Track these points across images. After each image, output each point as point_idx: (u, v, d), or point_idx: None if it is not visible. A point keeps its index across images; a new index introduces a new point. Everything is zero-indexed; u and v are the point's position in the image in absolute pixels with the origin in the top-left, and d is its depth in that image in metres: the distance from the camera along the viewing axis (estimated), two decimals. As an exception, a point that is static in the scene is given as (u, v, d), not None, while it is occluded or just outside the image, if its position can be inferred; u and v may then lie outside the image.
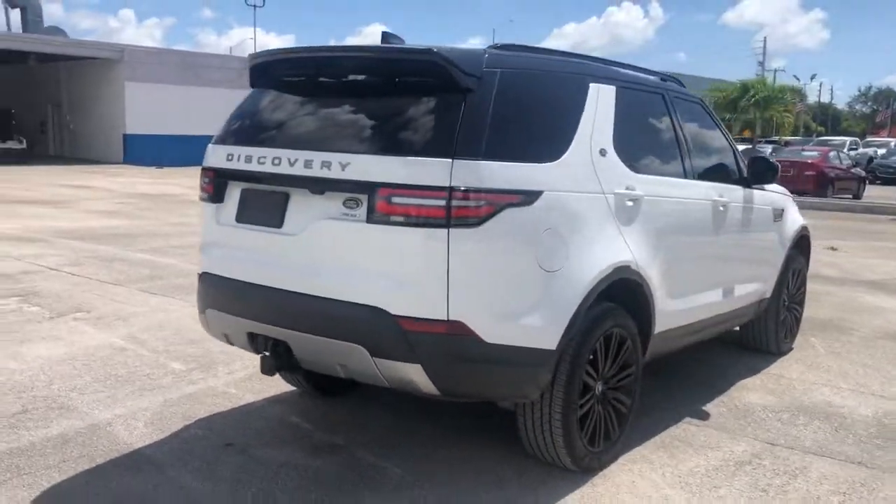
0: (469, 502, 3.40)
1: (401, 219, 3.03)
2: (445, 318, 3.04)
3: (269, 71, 3.71)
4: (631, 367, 3.86)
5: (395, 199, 3.03)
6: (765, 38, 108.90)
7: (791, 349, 5.96)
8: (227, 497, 3.39)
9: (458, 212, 3.01)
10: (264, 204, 3.41)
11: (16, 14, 40.70)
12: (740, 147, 6.57)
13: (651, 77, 4.53)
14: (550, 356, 3.31)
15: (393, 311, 3.05)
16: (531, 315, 3.25)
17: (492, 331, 3.14)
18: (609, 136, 3.76)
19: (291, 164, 3.27)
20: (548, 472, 3.65)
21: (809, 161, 22.44)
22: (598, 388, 3.69)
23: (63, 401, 4.47)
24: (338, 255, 3.19)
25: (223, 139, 3.70)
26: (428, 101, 3.19)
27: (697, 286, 4.46)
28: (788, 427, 4.40)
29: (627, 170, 3.82)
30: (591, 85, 3.77)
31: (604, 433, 3.73)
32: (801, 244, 5.97)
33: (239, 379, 4.88)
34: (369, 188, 3.06)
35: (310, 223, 3.25)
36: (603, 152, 3.67)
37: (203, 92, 31.85)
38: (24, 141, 29.60)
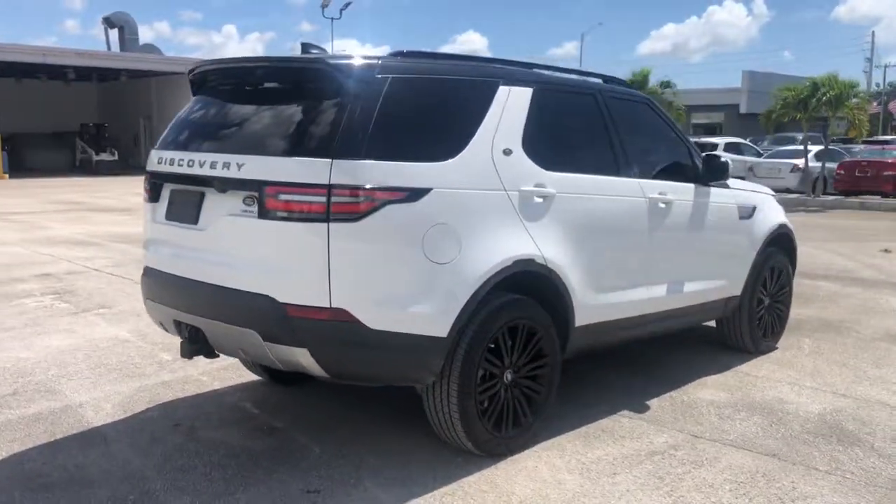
0: (369, 476, 3.63)
1: (286, 214, 3.31)
2: (328, 306, 3.30)
3: (201, 81, 4.06)
4: (545, 358, 4.00)
5: (282, 196, 3.31)
6: (872, 32, 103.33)
7: (774, 348, 5.92)
8: (153, 469, 3.74)
9: (338, 207, 3.27)
10: (185, 202, 3.76)
11: (114, 33, 43.33)
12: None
13: (583, 79, 4.66)
14: (441, 343, 3.52)
15: (281, 299, 3.33)
16: (419, 304, 3.47)
17: (376, 318, 3.37)
18: (518, 136, 3.94)
19: (202, 166, 3.60)
20: (457, 454, 3.84)
21: (890, 161, 21.47)
22: (508, 376, 3.86)
23: (52, 385, 4.94)
24: (238, 248, 3.50)
25: (159, 145, 4.07)
26: (318, 105, 3.47)
27: (632, 282, 4.55)
28: (723, 421, 4.44)
29: (539, 168, 3.98)
30: (502, 88, 3.96)
31: (513, 420, 3.89)
32: (782, 243, 5.93)
33: (214, 369, 5.23)
34: (260, 186, 3.36)
35: (216, 219, 3.58)
36: (507, 152, 3.85)
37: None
38: (116, 153, 31.41)
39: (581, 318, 4.19)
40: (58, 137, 32.58)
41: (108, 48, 42.12)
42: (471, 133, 3.73)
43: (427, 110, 3.68)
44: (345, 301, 3.32)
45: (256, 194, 3.39)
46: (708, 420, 4.46)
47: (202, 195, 3.66)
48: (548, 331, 4.00)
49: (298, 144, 3.40)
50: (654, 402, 4.72)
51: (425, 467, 3.74)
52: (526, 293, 3.90)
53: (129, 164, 33.77)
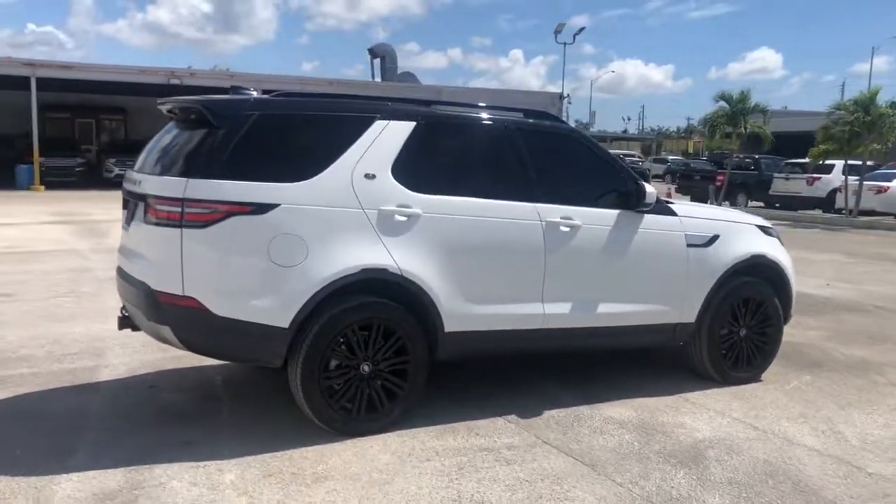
0: (232, 435, 4.47)
1: (157, 220, 4.30)
2: (182, 294, 4.24)
3: (167, 110, 5.13)
4: (407, 356, 4.61)
5: (156, 206, 4.31)
6: None
7: (757, 380, 5.85)
8: (105, 410, 4.91)
9: (189, 216, 4.20)
10: (128, 212, 4.87)
11: (377, 63, 47.68)
12: None
13: (489, 114, 5.15)
14: (283, 332, 4.30)
15: (153, 287, 4.32)
16: (262, 298, 4.28)
17: (221, 306, 4.25)
18: (387, 163, 4.60)
19: (132, 184, 4.70)
20: (313, 428, 4.54)
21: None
22: (365, 367, 4.52)
23: (102, 350, 6.33)
24: (138, 245, 4.55)
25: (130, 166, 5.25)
26: (194, 136, 4.44)
27: (519, 297, 4.94)
28: (593, 435, 4.69)
29: (407, 191, 4.60)
30: (378, 122, 4.65)
31: (367, 406, 4.54)
32: (762, 273, 5.85)
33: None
34: (146, 198, 4.38)
35: (134, 224, 4.65)
36: (370, 176, 4.53)
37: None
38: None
39: (451, 326, 4.71)
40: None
41: (372, 77, 46.60)
42: (331, 160, 4.47)
43: (287, 141, 4.49)
44: (194, 291, 4.23)
45: (145, 205, 4.41)
46: (578, 432, 4.73)
47: (135, 205, 4.76)
48: (409, 332, 4.59)
49: (171, 166, 4.38)
50: (551, 412, 5.04)
51: (280, 434, 4.50)
52: (388, 298, 4.53)
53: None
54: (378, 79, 45.69)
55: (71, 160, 29.02)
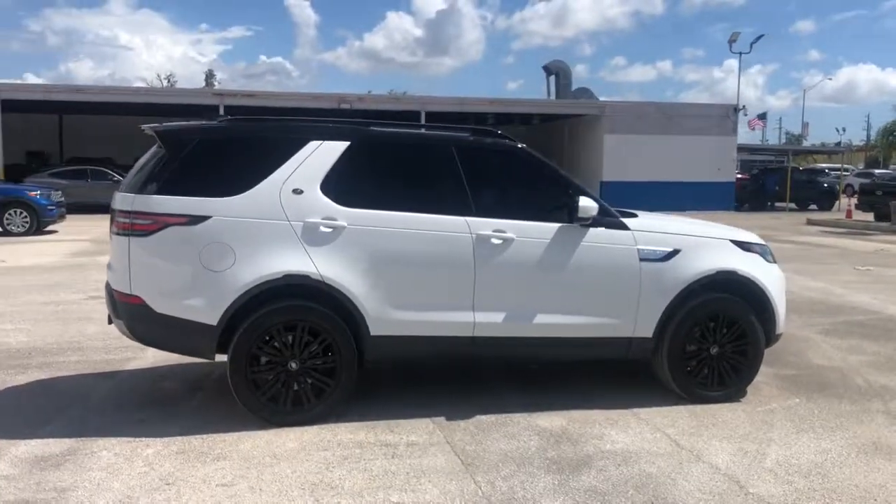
0: (182, 417, 5.12)
1: (116, 230, 5.05)
2: (130, 292, 4.96)
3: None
4: (334, 356, 5.05)
5: (116, 219, 5.06)
6: None
7: (731, 399, 5.70)
8: (108, 393, 5.76)
9: (135, 227, 4.92)
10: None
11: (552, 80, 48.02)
12: None
13: (429, 133, 5.48)
14: (212, 329, 4.90)
15: (113, 287, 5.08)
16: (194, 298, 4.91)
17: (160, 304, 4.92)
18: (316, 180, 5.08)
19: (113, 201, 5.49)
20: (254, 418, 5.09)
21: None
22: (293, 364, 5.02)
23: (134, 346, 7.28)
24: (111, 253, 5.33)
25: None
26: (153, 158, 5.13)
27: (447, 305, 5.20)
28: (499, 438, 4.86)
29: (335, 205, 5.06)
30: (312, 142, 5.15)
31: (292, 399, 5.03)
32: (734, 290, 5.69)
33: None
34: (113, 211, 5.15)
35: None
36: (298, 191, 5.04)
37: (679, 140, 33.65)
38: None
39: (377, 330, 5.09)
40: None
41: (548, 94, 47.03)
42: (262, 177, 5.02)
43: (224, 161, 5.09)
44: (139, 290, 4.93)
45: (111, 217, 5.18)
46: (489, 436, 4.92)
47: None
48: (335, 334, 5.03)
49: (130, 184, 5.12)
50: (483, 417, 5.25)
51: (222, 420, 5.08)
52: (314, 302, 5.01)
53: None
54: (552, 96, 46.06)
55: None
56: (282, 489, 4.09)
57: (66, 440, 4.78)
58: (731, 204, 34.42)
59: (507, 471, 4.36)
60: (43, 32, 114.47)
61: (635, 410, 5.47)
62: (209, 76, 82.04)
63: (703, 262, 5.61)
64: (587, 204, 5.30)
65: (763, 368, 6.62)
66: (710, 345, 5.66)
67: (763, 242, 6.09)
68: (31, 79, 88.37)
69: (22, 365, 6.58)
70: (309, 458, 4.51)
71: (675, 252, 5.56)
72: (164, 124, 5.21)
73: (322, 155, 5.14)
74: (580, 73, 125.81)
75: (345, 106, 31.16)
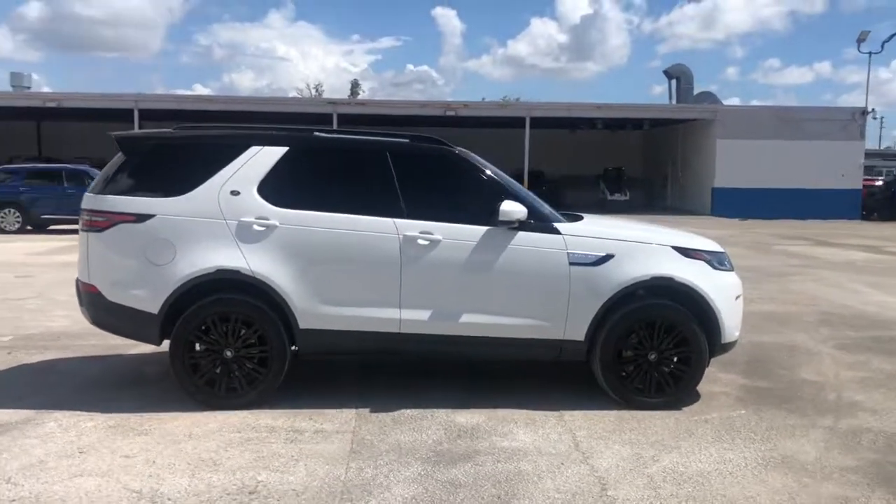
0: (125, 397, 5.66)
1: (80, 226, 5.65)
2: (88, 282, 5.55)
3: None
4: (265, 346, 5.44)
5: (81, 216, 5.66)
6: None
7: (671, 407, 5.66)
8: (88, 377, 6.41)
9: (91, 223, 5.50)
10: None
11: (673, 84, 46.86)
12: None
13: (365, 138, 5.75)
14: (153, 317, 5.40)
15: (79, 277, 5.69)
16: (139, 289, 5.43)
17: (111, 293, 5.47)
18: (253, 182, 5.49)
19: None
20: (184, 400, 5.55)
21: None
22: (227, 353, 5.45)
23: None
24: (83, 247, 5.94)
25: None
26: (116, 162, 5.69)
27: (373, 302, 5.46)
28: (405, 431, 5.07)
29: (269, 206, 5.45)
30: (253, 147, 5.56)
31: (226, 385, 5.46)
32: (673, 296, 5.64)
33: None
34: (81, 210, 5.75)
35: None
36: (235, 193, 5.46)
37: (798, 145, 32.12)
38: (629, 194, 34.63)
39: (306, 323, 5.44)
40: (588, 180, 37.35)
41: (670, 98, 45.98)
42: (203, 179, 5.47)
43: (173, 164, 5.56)
44: (95, 280, 5.51)
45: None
46: (397, 428, 5.14)
47: None
48: (266, 326, 5.42)
49: (93, 186, 5.69)
50: (405, 411, 5.46)
51: (169, 400, 5.57)
52: (247, 295, 5.42)
53: (655, 205, 36.91)
54: (673, 100, 44.97)
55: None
56: (171, 463, 4.49)
57: (29, 411, 5.39)
58: (856, 212, 32.46)
59: (386, 460, 4.58)
60: (210, 46, 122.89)
61: (564, 412, 5.53)
62: (354, 85, 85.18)
63: (637, 267, 5.59)
64: (509, 208, 5.42)
65: (736, 378, 6.54)
66: (647, 351, 5.62)
67: (716, 249, 5.97)
68: (200, 89, 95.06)
69: (45, 346, 7.38)
70: (216, 439, 4.89)
71: (608, 257, 5.58)
72: (124, 132, 5.76)
73: (261, 159, 5.54)
74: (730, 77, 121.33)
75: (450, 113, 31.79)
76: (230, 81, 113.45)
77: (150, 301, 5.39)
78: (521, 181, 32.34)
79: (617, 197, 34.67)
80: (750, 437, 5.12)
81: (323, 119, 31.57)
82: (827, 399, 6.05)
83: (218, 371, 5.45)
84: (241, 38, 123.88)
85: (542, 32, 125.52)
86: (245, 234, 5.41)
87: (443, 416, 5.42)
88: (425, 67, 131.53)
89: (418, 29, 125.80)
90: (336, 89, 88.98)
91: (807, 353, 7.60)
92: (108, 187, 5.54)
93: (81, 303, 5.71)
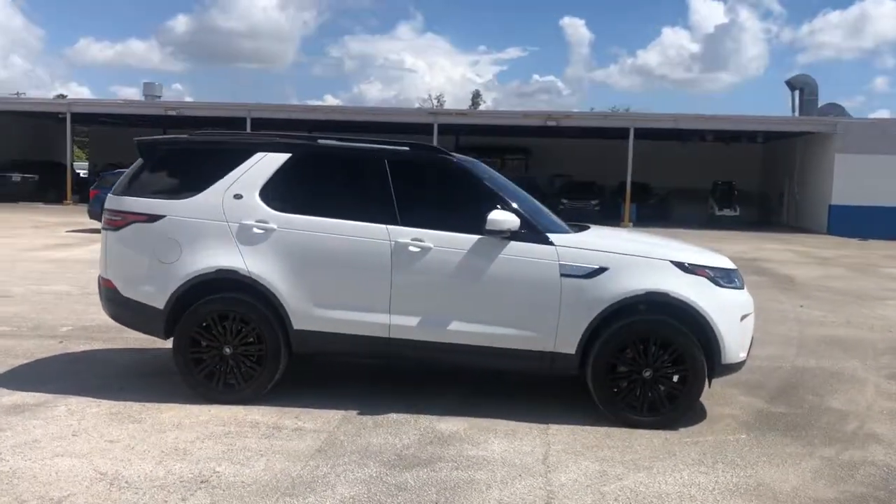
0: (125, 390, 6.01)
1: (102, 224, 6.06)
2: (105, 277, 5.95)
3: None
4: (262, 344, 5.66)
5: (104, 216, 6.07)
6: None
7: (668, 427, 5.49)
8: (113, 366, 6.85)
9: (110, 223, 5.89)
10: None
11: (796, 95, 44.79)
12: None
13: (365, 146, 5.88)
14: (160, 312, 5.72)
15: (99, 273, 6.10)
16: (148, 285, 5.76)
17: (125, 288, 5.84)
18: (256, 186, 5.73)
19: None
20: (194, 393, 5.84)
21: None
22: (226, 350, 5.72)
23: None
24: (107, 246, 6.33)
25: None
26: (136, 165, 6.07)
27: (364, 306, 5.56)
28: (379, 434, 5.15)
29: (267, 209, 5.68)
30: (258, 153, 5.81)
31: (224, 381, 5.71)
32: (670, 312, 5.48)
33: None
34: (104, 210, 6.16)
35: None
36: (238, 196, 5.72)
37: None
38: (738, 210, 33.30)
39: (299, 324, 5.62)
40: (699, 194, 36.15)
41: (792, 110, 44.01)
42: (211, 183, 5.76)
43: (184, 168, 5.88)
44: (111, 276, 5.89)
45: None
46: (374, 431, 5.22)
47: None
48: (262, 325, 5.64)
49: (115, 188, 6.08)
50: (391, 415, 5.54)
51: (171, 392, 5.88)
52: (246, 295, 5.67)
53: (771, 221, 35.44)
54: (796, 112, 43.01)
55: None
56: (146, 450, 4.75)
57: (48, 395, 5.81)
58: None
59: (346, 460, 4.68)
60: (341, 58, 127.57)
61: (552, 425, 5.47)
62: (475, 96, 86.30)
63: (632, 281, 5.46)
64: (496, 217, 5.42)
65: (755, 402, 6.30)
66: (642, 368, 5.48)
67: (724, 266, 5.74)
68: (330, 100, 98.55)
69: (93, 337, 7.90)
70: (199, 430, 5.13)
71: (602, 270, 5.47)
72: (144, 137, 6.13)
73: (264, 165, 5.77)
74: (879, 87, 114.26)
75: (551, 123, 31.65)
76: (359, 92, 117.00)
77: (158, 297, 5.71)
78: (623, 193, 31.78)
79: (726, 212, 33.42)
80: (734, 463, 4.90)
81: (425, 129, 32.09)
82: (844, 429, 5.69)
83: (217, 367, 5.69)
84: (371, 49, 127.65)
85: (674, 42, 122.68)
86: (245, 236, 5.65)
87: (426, 421, 5.46)
88: (551, 78, 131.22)
89: (545, 39, 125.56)
90: (460, 100, 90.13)
91: (851, 380, 7.16)
92: (127, 189, 5.92)
93: (101, 297, 6.10)
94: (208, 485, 4.26)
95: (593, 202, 33.21)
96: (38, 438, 4.92)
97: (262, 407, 5.62)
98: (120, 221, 5.85)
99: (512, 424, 5.46)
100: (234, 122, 32.39)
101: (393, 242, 5.56)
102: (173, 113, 33.16)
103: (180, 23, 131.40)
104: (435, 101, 74.88)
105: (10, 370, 6.54)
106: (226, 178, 5.77)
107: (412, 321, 5.57)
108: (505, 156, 40.92)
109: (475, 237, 5.54)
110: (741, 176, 37.94)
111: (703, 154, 38.24)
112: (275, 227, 5.64)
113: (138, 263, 5.84)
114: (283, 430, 5.20)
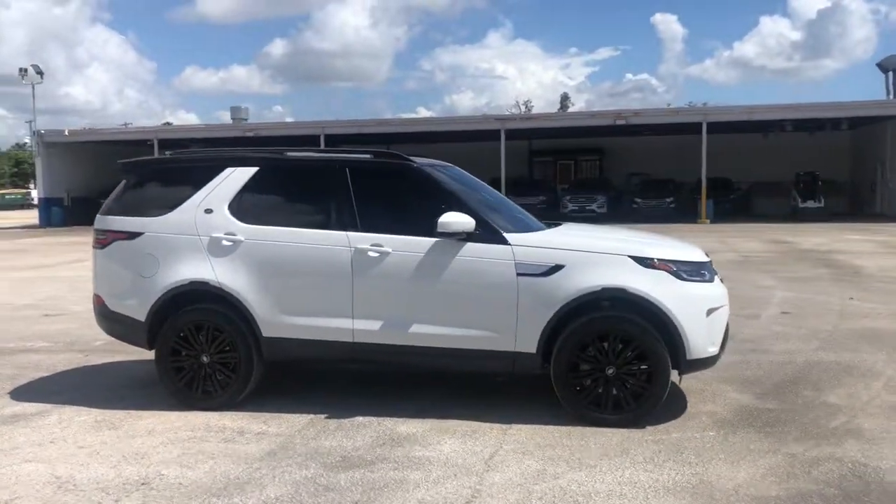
0: (132, 398, 6.32)
1: (92, 244, 6.42)
2: (96, 293, 6.29)
3: None
4: (233, 352, 5.87)
5: (93, 235, 6.42)
6: None
7: (634, 425, 5.40)
8: (118, 376, 7.21)
9: (97, 242, 6.23)
10: None
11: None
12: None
13: (327, 155, 6.02)
14: (141, 324, 6.01)
15: (94, 290, 6.45)
16: (131, 299, 6.07)
17: (112, 303, 6.16)
18: (225, 201, 5.95)
19: None
20: (167, 400, 6.09)
21: None
22: (204, 358, 5.96)
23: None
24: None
25: None
26: (120, 185, 6.41)
27: (328, 312, 5.69)
28: (338, 436, 5.25)
29: (236, 222, 5.89)
30: (228, 168, 6.04)
31: (202, 388, 5.95)
32: (631, 308, 5.38)
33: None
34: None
35: None
36: (208, 211, 5.95)
37: None
38: (823, 201, 31.87)
39: (267, 332, 5.80)
40: (783, 187, 34.76)
41: (887, 93, 41.96)
42: (185, 199, 6.01)
43: (161, 186, 6.16)
44: (100, 291, 6.23)
45: None
46: (335, 433, 5.33)
47: None
48: (233, 334, 5.85)
49: (102, 208, 6.42)
50: (357, 418, 5.63)
51: (155, 401, 6.17)
52: (216, 304, 5.90)
53: (864, 212, 33.78)
54: (890, 95, 40.99)
55: (534, 198, 33.03)
56: (110, 455, 5.00)
57: (49, 405, 6.17)
58: None
59: (290, 462, 4.80)
60: (432, 70, 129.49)
61: (514, 425, 5.45)
62: (564, 99, 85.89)
63: (588, 278, 5.38)
64: (447, 219, 5.44)
65: (743, 398, 6.16)
66: (604, 365, 5.39)
67: (690, 259, 5.59)
68: (423, 112, 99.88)
69: (115, 350, 8.25)
70: (167, 436, 5.36)
71: (558, 267, 5.43)
72: (127, 159, 6.45)
73: (233, 179, 5.99)
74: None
75: (620, 122, 31.19)
76: (451, 103, 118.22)
77: (140, 310, 6.00)
78: (699, 189, 30.90)
79: (809, 204, 31.98)
80: (686, 461, 4.77)
81: (493, 136, 32.12)
82: (827, 425, 5.44)
83: (196, 375, 5.92)
84: (462, 60, 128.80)
85: (772, 31, 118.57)
86: (215, 249, 5.87)
87: (390, 423, 5.53)
88: (644, 76, 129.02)
89: (637, 37, 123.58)
90: (551, 103, 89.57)
91: (864, 374, 6.81)
92: (110, 209, 6.25)
93: (94, 313, 6.45)
94: (147, 487, 4.46)
95: (668, 200, 32.49)
96: (18, 445, 5.24)
97: (237, 413, 5.82)
98: (105, 240, 6.17)
99: (475, 425, 5.46)
100: (309, 140, 33.26)
101: (353, 248, 5.67)
102: (251, 134, 34.34)
103: (277, 47, 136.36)
104: (523, 107, 74.80)
105: (28, 383, 6.97)
106: (198, 193, 6.02)
107: (374, 325, 5.66)
108: (578, 157, 40.56)
109: (432, 240, 5.58)
110: (828, 166, 36.22)
111: (787, 145, 36.75)
112: (242, 238, 5.84)
113: (122, 279, 6.14)
114: (245, 434, 5.38)
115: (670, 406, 5.82)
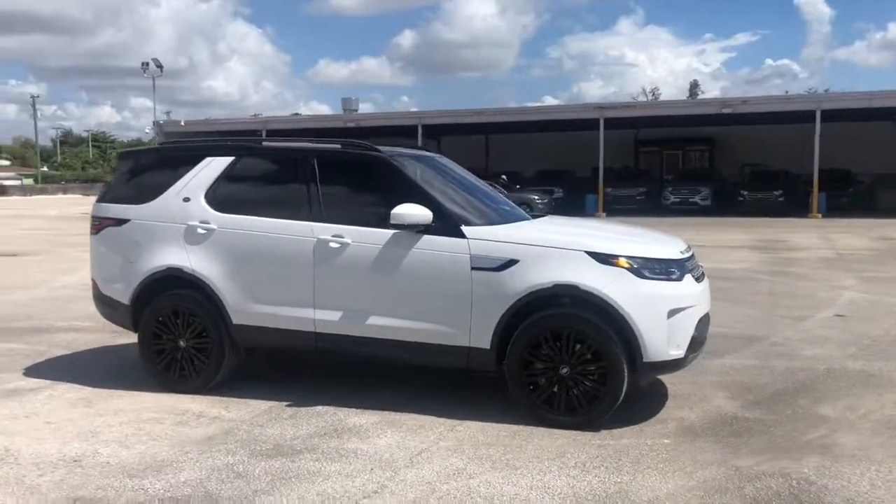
0: (124, 381, 6.59)
1: (89, 231, 6.73)
2: (92, 276, 6.61)
3: None
4: (207, 338, 6.04)
5: (91, 222, 6.74)
6: None
7: (589, 427, 5.19)
8: (118, 357, 7.56)
9: (92, 227, 6.54)
10: None
11: None
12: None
13: (296, 145, 6.06)
14: (126, 307, 6.28)
15: (90, 273, 6.78)
16: (118, 283, 6.33)
17: (104, 286, 6.46)
18: (202, 189, 6.11)
19: None
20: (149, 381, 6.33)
21: None
22: (181, 343, 6.16)
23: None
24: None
25: None
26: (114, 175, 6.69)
27: (292, 302, 5.73)
28: (292, 424, 5.32)
29: (211, 210, 6.03)
30: (206, 158, 6.19)
31: (179, 372, 6.15)
32: (583, 306, 5.16)
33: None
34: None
35: None
36: (186, 199, 6.13)
37: None
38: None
39: (237, 319, 5.92)
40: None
41: None
42: (167, 188, 6.21)
43: (149, 175, 6.37)
44: (94, 275, 6.54)
45: None
46: (292, 422, 5.38)
47: None
48: (206, 320, 6.01)
49: (98, 195, 6.72)
50: (317, 408, 5.66)
51: (141, 383, 6.42)
52: (189, 290, 6.06)
53: None
54: None
55: (633, 189, 32.17)
56: (67, 431, 5.23)
57: (48, 381, 6.52)
58: None
59: (224, 448, 4.87)
60: (560, 58, 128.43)
61: (465, 422, 5.34)
62: (693, 86, 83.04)
63: (540, 273, 5.19)
64: (400, 211, 5.35)
65: (727, 406, 5.80)
66: (558, 365, 5.20)
67: (657, 256, 5.28)
68: (549, 101, 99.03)
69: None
70: (129, 416, 5.55)
71: (512, 262, 5.26)
72: (128, 149, 6.71)
73: (211, 169, 6.14)
74: None
75: (727, 110, 29.88)
76: (578, 90, 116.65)
77: (125, 293, 6.25)
78: (811, 180, 29.09)
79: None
80: (617, 469, 4.53)
81: (592, 125, 31.45)
82: (800, 438, 5.04)
83: (174, 358, 6.12)
84: (590, 47, 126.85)
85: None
86: (190, 237, 6.04)
87: (343, 414, 5.53)
88: (785, 61, 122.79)
89: (778, 20, 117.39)
90: (682, 91, 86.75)
91: (880, 386, 6.27)
92: (105, 197, 6.53)
93: (92, 296, 6.77)
94: (77, 464, 4.64)
95: (776, 193, 30.71)
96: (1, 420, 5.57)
97: (209, 396, 5.96)
98: (98, 226, 6.47)
99: (425, 419, 5.39)
100: (407, 130, 33.68)
101: (315, 239, 5.69)
102: (353, 125, 35.05)
103: (407, 38, 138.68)
104: (650, 95, 72.82)
105: (46, 360, 7.39)
106: (178, 182, 6.20)
107: (335, 315, 5.66)
108: (686, 147, 39.07)
109: (391, 232, 5.52)
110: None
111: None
112: (215, 227, 5.97)
113: (112, 263, 6.42)
114: (201, 418, 5.51)
115: (644, 409, 5.57)
